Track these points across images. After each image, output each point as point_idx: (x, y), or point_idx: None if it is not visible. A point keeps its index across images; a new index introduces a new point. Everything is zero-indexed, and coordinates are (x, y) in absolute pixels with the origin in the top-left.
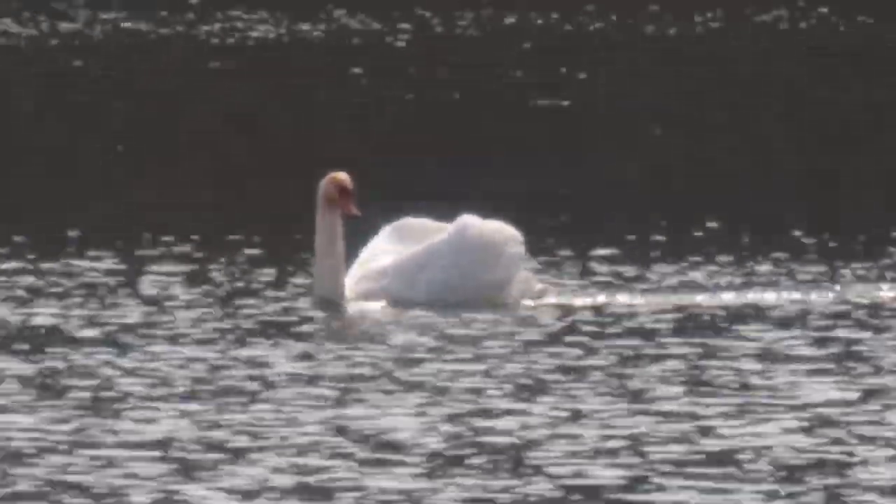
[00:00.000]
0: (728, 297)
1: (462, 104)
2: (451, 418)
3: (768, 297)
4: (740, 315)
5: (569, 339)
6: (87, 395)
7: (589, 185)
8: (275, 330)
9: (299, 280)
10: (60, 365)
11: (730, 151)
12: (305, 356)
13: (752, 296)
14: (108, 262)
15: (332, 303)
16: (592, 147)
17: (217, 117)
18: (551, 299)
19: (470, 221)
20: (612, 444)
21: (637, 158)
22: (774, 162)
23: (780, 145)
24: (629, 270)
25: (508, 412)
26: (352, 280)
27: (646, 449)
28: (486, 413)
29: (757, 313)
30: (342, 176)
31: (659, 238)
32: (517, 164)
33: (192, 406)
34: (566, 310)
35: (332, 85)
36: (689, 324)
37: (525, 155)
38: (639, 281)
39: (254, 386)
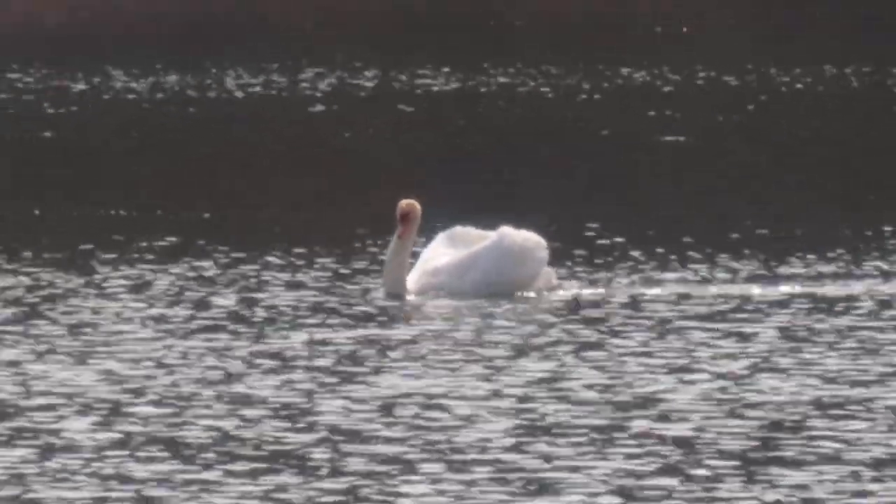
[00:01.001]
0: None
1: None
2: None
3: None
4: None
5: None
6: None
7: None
8: (355, 316)
9: (373, 278)
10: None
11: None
12: (379, 336)
13: (782, 288)
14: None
15: (397, 295)
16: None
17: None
18: (565, 291)
19: (506, 231)
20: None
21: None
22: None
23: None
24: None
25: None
26: (413, 277)
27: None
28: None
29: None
30: (405, 205)
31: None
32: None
33: (303, 374)
34: (578, 299)
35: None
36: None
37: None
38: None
39: (346, 361)
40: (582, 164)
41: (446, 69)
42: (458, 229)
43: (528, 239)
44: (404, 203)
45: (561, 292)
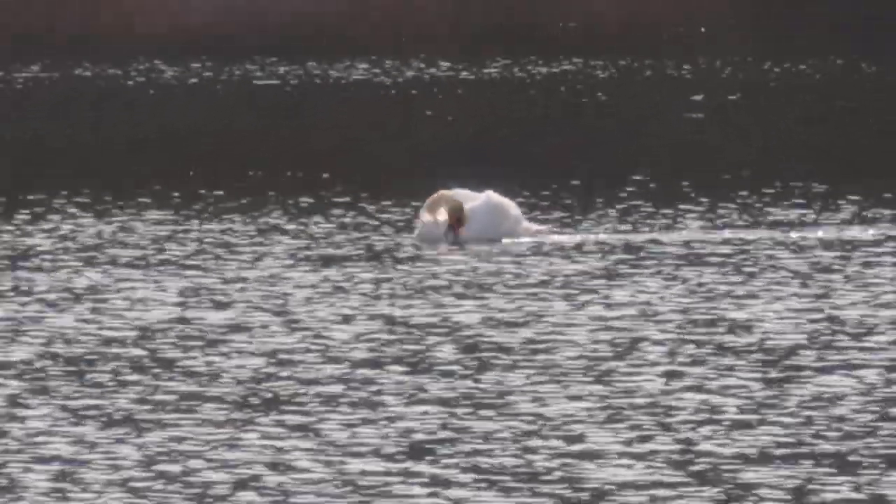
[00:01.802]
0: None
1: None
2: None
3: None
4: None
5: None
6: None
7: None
8: (392, 255)
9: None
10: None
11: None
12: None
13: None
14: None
15: (423, 241)
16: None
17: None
18: (544, 237)
19: (490, 194)
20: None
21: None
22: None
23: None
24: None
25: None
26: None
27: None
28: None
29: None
30: (455, 205)
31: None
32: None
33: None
34: (554, 244)
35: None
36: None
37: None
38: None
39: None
40: (590, 150)
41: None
42: (458, 191)
43: (504, 199)
44: (453, 203)
45: (540, 237)
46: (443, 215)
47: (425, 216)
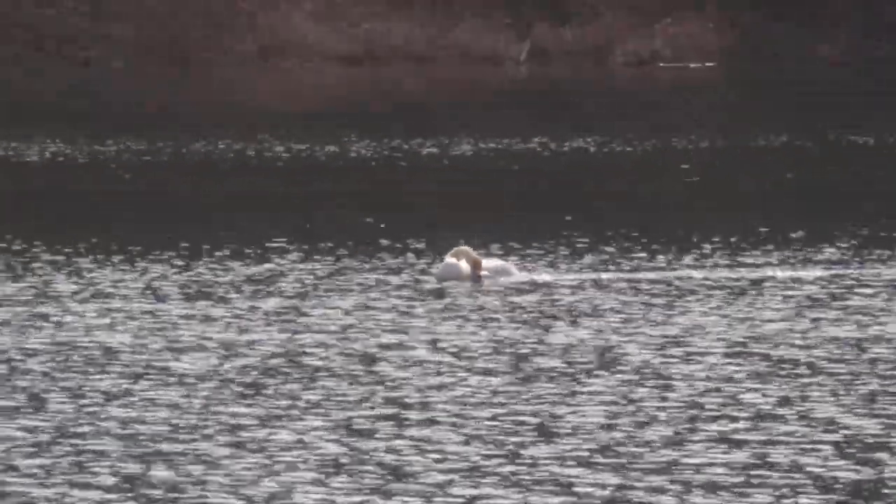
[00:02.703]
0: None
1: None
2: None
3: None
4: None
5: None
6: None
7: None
8: (413, 295)
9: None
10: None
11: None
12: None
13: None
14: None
15: (442, 278)
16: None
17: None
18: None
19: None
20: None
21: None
22: None
23: None
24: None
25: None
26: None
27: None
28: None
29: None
30: (476, 259)
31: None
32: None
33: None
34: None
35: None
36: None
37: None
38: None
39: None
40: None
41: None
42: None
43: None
44: (474, 257)
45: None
46: (463, 263)
47: (448, 259)
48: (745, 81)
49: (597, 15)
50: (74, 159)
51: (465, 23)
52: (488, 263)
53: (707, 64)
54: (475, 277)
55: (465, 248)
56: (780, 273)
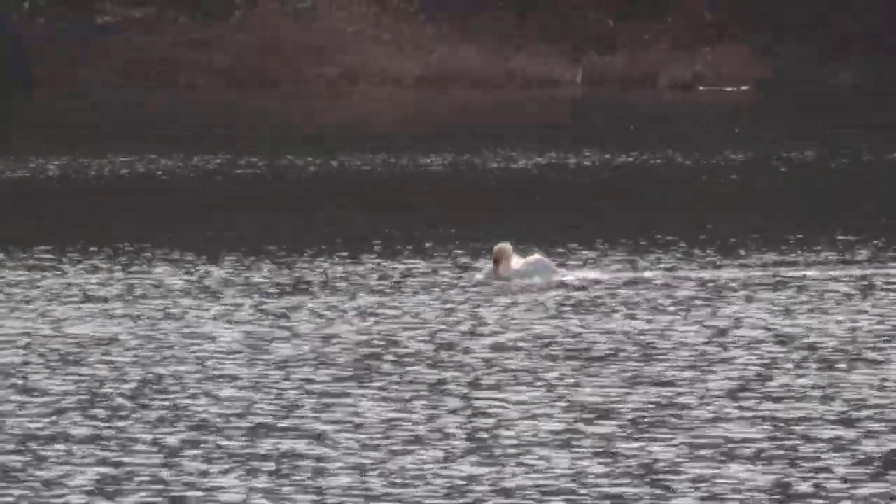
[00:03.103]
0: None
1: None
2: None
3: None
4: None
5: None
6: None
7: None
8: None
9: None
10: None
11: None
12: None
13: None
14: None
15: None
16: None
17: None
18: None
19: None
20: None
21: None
22: None
23: None
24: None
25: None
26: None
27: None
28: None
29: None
30: (498, 248)
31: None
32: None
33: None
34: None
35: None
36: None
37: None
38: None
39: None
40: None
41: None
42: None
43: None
44: (496, 249)
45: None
46: (503, 265)
47: (488, 266)
48: (776, 103)
49: (644, 45)
50: (199, 167)
51: (525, 50)
52: (528, 259)
53: (742, 87)
54: (490, 273)
55: (505, 245)
56: (814, 272)
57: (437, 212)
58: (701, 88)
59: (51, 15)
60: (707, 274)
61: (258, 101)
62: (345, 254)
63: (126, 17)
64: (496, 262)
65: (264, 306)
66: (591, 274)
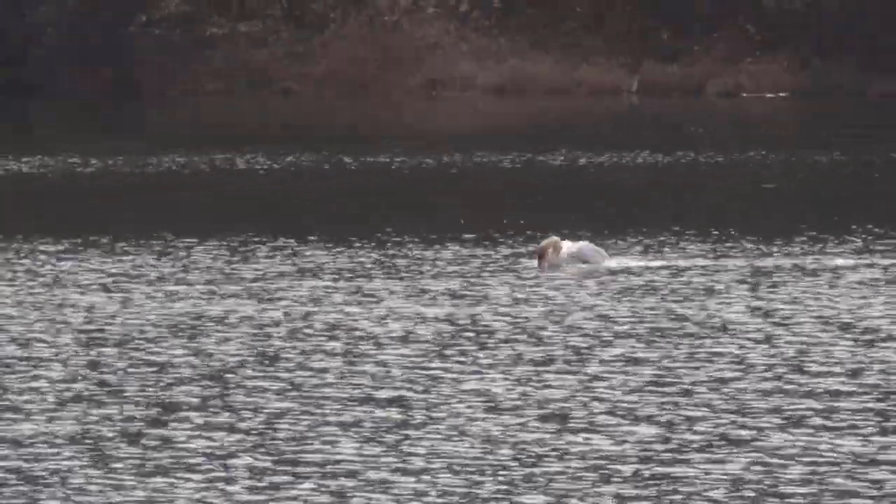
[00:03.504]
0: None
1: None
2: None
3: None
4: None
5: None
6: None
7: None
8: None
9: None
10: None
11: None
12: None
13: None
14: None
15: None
16: None
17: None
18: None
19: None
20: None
21: None
22: None
23: None
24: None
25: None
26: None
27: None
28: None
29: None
30: (540, 248)
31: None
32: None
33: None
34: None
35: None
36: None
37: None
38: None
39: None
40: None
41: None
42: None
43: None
44: (539, 247)
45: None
46: (550, 257)
47: (536, 260)
48: (812, 110)
49: (693, 56)
50: (294, 166)
51: (589, 61)
52: (570, 247)
53: (780, 94)
54: (541, 268)
55: (554, 238)
56: (846, 261)
57: (508, 202)
58: (744, 95)
59: (164, 27)
60: (743, 262)
61: (355, 106)
62: (433, 237)
63: (232, 30)
64: (540, 256)
65: (358, 289)
66: (636, 261)
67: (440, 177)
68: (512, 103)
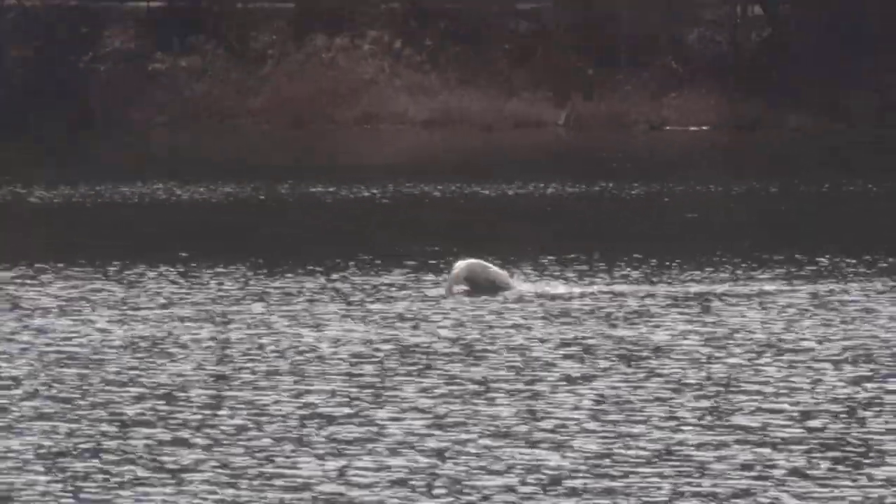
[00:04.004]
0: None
1: None
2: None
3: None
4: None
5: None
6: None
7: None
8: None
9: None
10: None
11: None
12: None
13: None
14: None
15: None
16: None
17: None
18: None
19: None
20: None
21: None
22: None
23: None
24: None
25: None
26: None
27: None
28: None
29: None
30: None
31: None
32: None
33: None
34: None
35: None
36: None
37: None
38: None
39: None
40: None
41: None
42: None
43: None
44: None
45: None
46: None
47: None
48: (732, 140)
49: (619, 90)
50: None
51: (518, 95)
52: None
53: (703, 127)
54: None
55: (470, 262)
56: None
57: (440, 230)
58: (667, 128)
59: (110, 62)
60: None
61: (295, 139)
62: (375, 262)
63: (174, 65)
64: (452, 283)
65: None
66: (565, 287)
67: (375, 207)
68: (442, 136)
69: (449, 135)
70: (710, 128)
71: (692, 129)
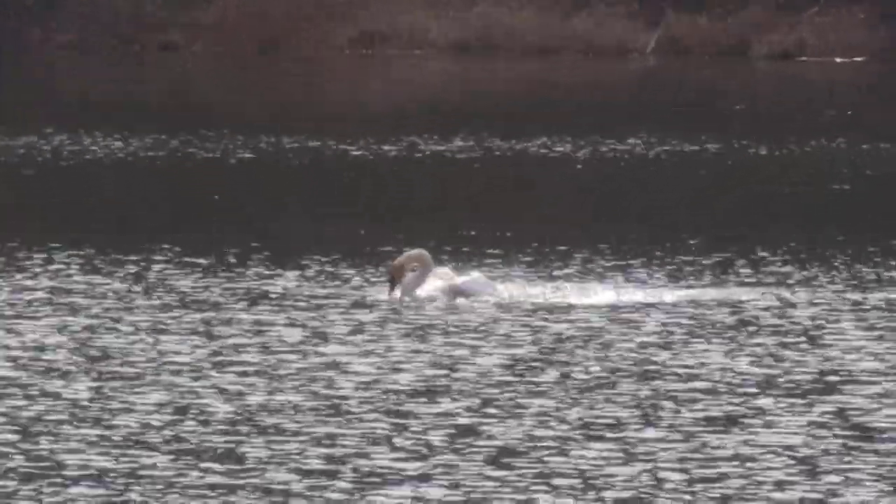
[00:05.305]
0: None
1: None
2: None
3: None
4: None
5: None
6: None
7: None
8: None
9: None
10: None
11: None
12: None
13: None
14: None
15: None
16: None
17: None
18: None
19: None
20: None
21: None
22: None
23: None
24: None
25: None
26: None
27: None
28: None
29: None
30: (397, 262)
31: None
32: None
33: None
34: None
35: None
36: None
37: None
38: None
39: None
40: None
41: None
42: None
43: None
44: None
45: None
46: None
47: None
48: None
49: (739, 3)
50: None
51: (587, 9)
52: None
53: (854, 59)
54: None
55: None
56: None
57: (449, 211)
58: (802, 59)
59: None
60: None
61: (249, 69)
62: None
63: None
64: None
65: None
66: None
67: (369, 170)
68: (475, 67)
69: (486, 65)
70: (864, 59)
71: (838, 60)
